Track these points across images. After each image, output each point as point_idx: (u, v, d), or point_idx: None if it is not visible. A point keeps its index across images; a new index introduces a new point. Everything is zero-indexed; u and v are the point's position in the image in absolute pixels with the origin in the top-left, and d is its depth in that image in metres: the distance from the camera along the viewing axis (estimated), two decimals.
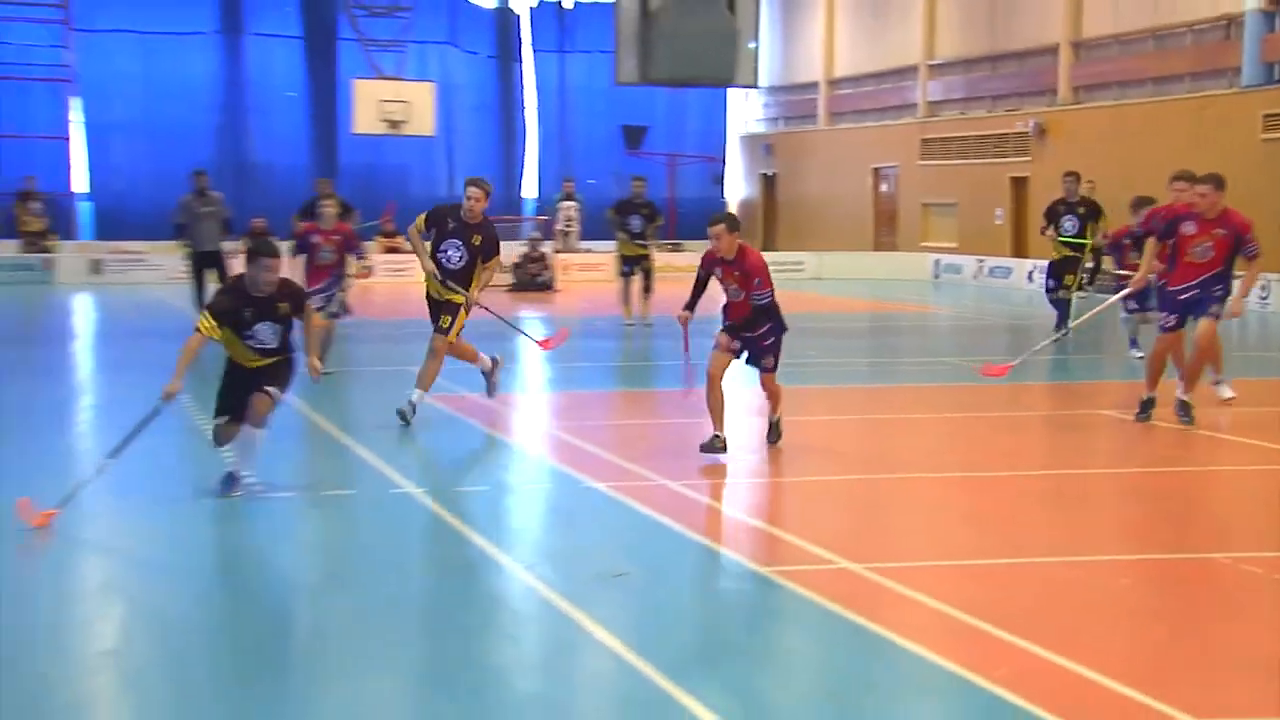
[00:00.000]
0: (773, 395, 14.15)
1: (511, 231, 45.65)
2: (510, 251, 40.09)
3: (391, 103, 46.05)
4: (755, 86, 48.71)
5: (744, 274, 13.33)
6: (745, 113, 58.20)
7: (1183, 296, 14.79)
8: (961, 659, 7.78)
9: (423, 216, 14.36)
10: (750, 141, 57.57)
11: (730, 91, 52.78)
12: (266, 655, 8.39)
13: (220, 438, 11.62)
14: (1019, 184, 42.54)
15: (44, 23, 48.12)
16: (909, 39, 49.02)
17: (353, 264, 19.72)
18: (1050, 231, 23.73)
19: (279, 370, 11.59)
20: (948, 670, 7.58)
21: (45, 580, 10.03)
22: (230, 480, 11.30)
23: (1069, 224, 22.89)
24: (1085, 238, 23.56)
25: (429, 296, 14.81)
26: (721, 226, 13.38)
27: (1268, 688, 7.81)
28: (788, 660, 8.48)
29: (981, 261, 43.06)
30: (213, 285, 24.07)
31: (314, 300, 16.57)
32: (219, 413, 11.53)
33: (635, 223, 27.17)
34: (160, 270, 37.72)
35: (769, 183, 55.93)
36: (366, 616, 8.84)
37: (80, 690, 7.99)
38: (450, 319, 14.25)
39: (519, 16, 53.72)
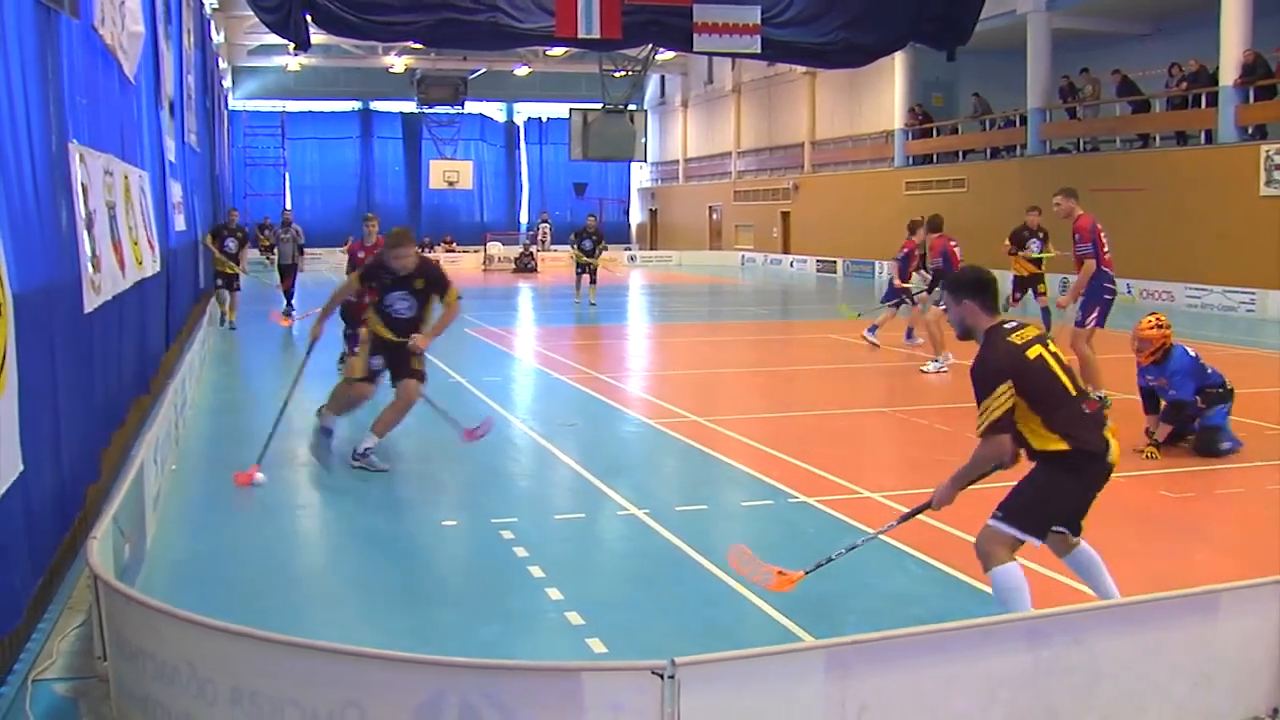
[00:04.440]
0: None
1: (513, 240, 55.12)
2: (515, 249, 49.21)
3: (450, 171, 58.01)
4: (645, 161, 57.87)
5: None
6: (640, 175, 66.41)
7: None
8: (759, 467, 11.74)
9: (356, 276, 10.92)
10: (643, 191, 66.49)
11: (632, 164, 61.18)
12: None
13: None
14: (785, 215, 50.02)
15: (272, 135, 58.32)
16: (727, 136, 56.38)
17: None
18: (1020, 251, 18.80)
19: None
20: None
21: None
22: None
23: (1035, 245, 18.66)
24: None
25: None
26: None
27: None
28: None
29: (766, 256, 51.07)
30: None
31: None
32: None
33: (587, 245, 29.69)
34: (326, 262, 46.82)
35: (653, 214, 64.77)
36: None
37: None
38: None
39: (519, 125, 63.93)
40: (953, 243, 18.29)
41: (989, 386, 5.86)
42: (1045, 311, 18.33)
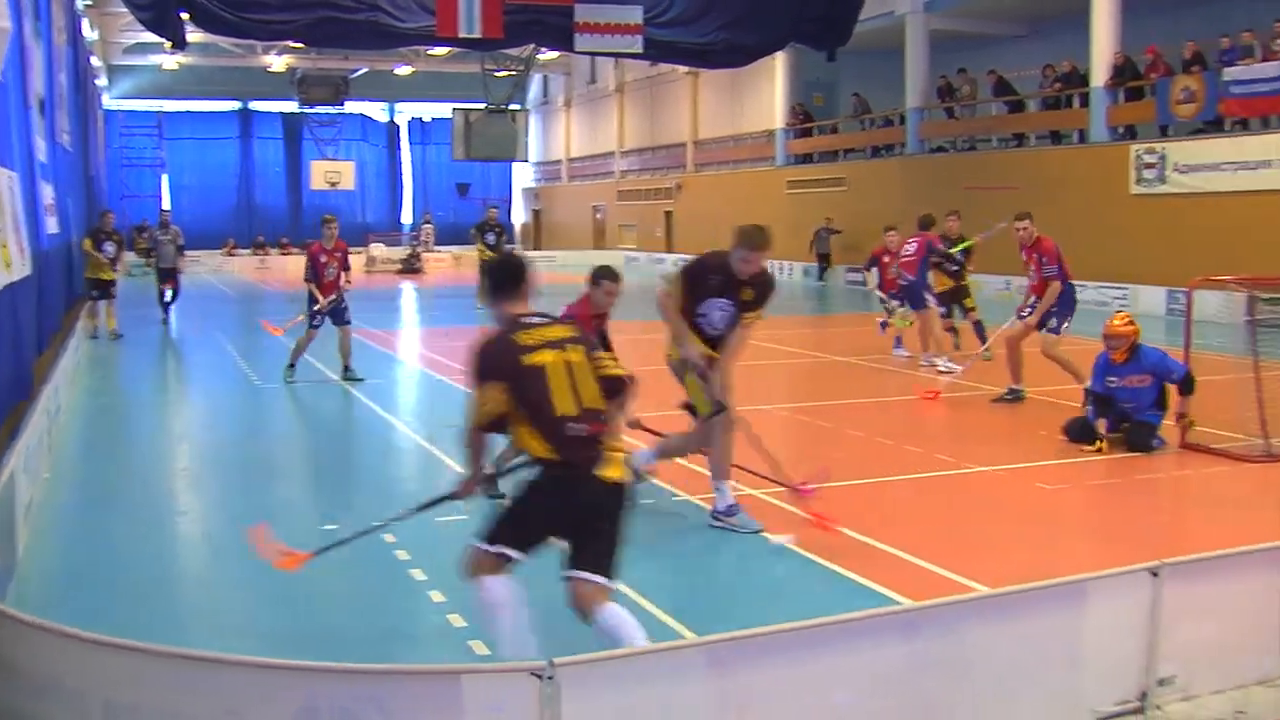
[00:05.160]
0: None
1: (396, 240, 55.51)
2: (398, 250, 49.12)
3: (331, 172, 57.30)
4: (528, 161, 57.79)
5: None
6: (523, 175, 66.06)
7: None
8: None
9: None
10: (527, 191, 66.34)
11: (514, 164, 60.79)
12: None
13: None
14: (668, 214, 50.07)
15: (149, 135, 57.38)
16: (610, 135, 56.29)
17: (345, 275, 16.11)
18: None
19: None
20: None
21: None
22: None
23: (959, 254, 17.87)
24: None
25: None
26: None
27: None
28: None
29: (649, 255, 50.06)
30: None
31: (317, 317, 15.89)
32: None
33: (490, 238, 27.96)
34: (206, 265, 45.74)
35: (537, 214, 64.71)
36: None
37: None
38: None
39: (399, 126, 63.69)
40: (908, 244, 17.55)
41: (475, 381, 5.44)
42: (978, 325, 17.95)
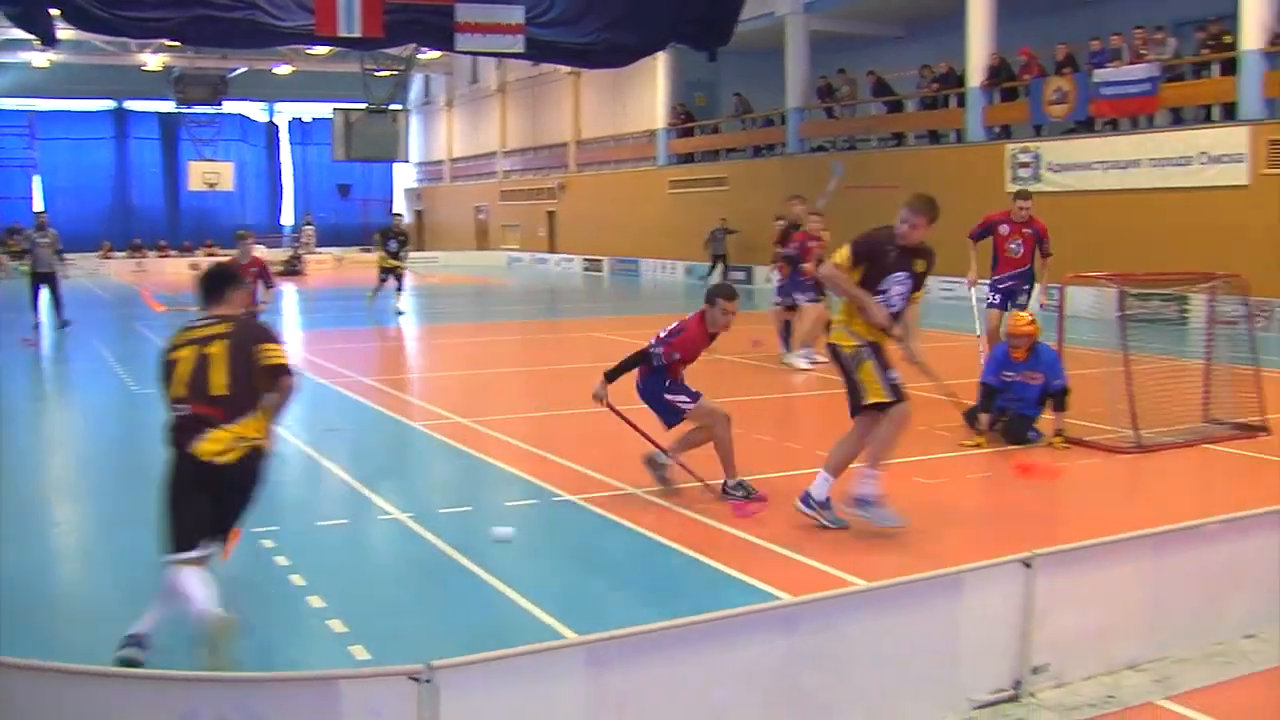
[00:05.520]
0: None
1: (276, 242, 55.01)
2: (279, 252, 48.18)
3: (210, 173, 56.16)
4: (408, 161, 56.94)
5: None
6: (405, 175, 65.60)
7: (1002, 285, 13.92)
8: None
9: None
10: (409, 192, 65.85)
11: (396, 165, 59.71)
12: None
13: None
14: (551, 215, 50.12)
15: (20, 135, 55.99)
16: (492, 135, 56.18)
17: (265, 291, 16.43)
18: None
19: None
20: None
21: None
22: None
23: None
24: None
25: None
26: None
27: None
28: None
29: (532, 255, 51.22)
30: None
31: None
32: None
33: (392, 245, 27.30)
34: (81, 268, 44.85)
35: (420, 214, 64.02)
36: None
37: None
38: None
39: (279, 126, 63.01)
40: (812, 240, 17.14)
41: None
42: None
